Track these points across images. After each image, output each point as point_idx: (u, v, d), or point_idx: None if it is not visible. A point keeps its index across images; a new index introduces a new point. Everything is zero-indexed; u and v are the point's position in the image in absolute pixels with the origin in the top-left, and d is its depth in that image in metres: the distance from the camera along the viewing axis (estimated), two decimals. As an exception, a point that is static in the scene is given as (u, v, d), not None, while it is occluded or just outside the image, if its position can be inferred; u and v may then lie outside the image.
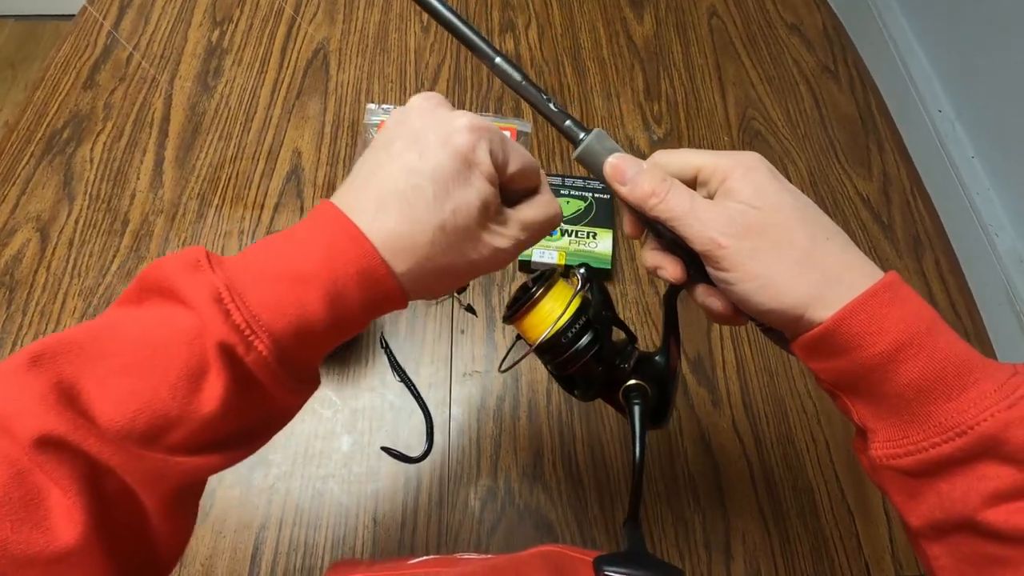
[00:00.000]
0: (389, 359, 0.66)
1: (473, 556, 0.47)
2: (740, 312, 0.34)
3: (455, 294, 0.70)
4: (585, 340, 0.38)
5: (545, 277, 0.40)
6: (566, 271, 0.53)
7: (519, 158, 0.33)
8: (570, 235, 0.72)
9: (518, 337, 0.42)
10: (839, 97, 0.91)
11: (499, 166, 0.31)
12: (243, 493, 0.59)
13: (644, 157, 0.36)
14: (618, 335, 0.41)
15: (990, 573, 0.28)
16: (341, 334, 0.30)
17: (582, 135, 0.36)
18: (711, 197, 0.33)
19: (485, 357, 0.67)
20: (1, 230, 0.73)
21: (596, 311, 0.39)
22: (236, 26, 0.93)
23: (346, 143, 0.82)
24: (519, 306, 0.39)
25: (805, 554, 0.58)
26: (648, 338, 0.69)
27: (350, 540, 0.57)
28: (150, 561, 0.27)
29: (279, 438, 0.61)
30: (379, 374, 0.66)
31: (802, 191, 0.33)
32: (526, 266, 0.72)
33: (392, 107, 0.83)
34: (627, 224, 0.37)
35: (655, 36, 0.96)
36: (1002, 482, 0.26)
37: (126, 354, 0.25)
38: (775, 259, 0.30)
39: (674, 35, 0.96)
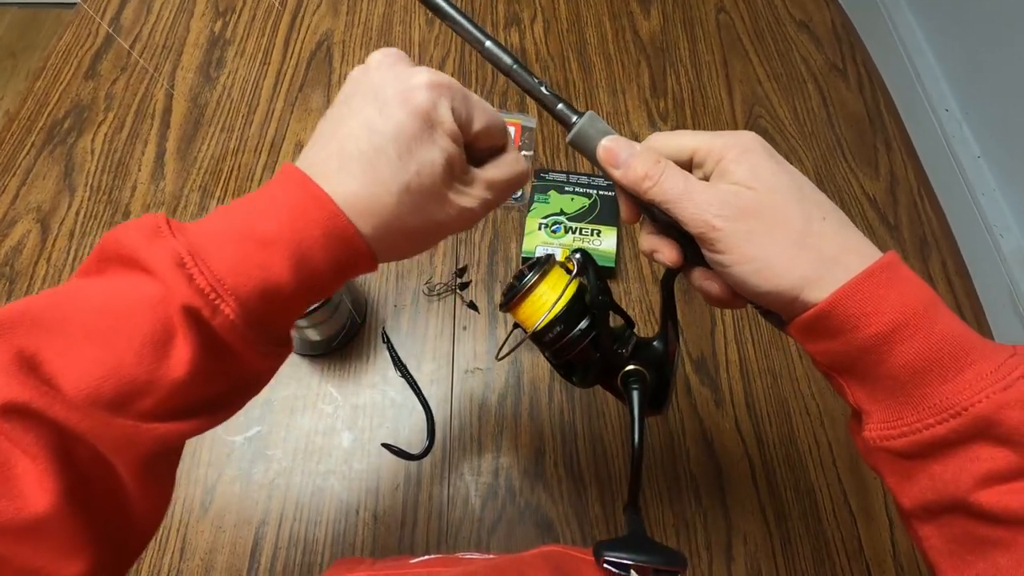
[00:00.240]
0: (391, 355, 0.66)
1: (474, 556, 0.47)
2: (737, 295, 0.33)
3: (458, 291, 0.70)
4: (582, 326, 0.38)
5: (541, 263, 0.39)
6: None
7: (484, 115, 0.32)
8: (574, 232, 0.71)
9: (516, 325, 0.42)
10: (847, 95, 0.90)
11: (462, 124, 0.31)
12: (243, 488, 0.59)
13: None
14: (616, 321, 0.40)
15: (981, 554, 0.27)
16: (310, 296, 0.29)
17: (574, 118, 0.35)
18: (707, 179, 0.32)
19: (487, 354, 0.67)
20: (1, 221, 0.72)
21: (593, 296, 0.38)
22: (239, 16, 0.92)
23: (349, 137, 0.81)
24: (514, 293, 0.39)
25: (806, 556, 0.58)
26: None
27: (350, 536, 0.57)
28: (127, 529, 0.27)
29: (280, 433, 0.62)
30: (381, 370, 0.65)
31: None
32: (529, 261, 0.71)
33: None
34: (623, 208, 0.36)
35: (662, 32, 0.95)
36: (995, 464, 0.26)
37: (88, 323, 0.25)
38: (770, 241, 0.30)
39: (681, 31, 0.95)
